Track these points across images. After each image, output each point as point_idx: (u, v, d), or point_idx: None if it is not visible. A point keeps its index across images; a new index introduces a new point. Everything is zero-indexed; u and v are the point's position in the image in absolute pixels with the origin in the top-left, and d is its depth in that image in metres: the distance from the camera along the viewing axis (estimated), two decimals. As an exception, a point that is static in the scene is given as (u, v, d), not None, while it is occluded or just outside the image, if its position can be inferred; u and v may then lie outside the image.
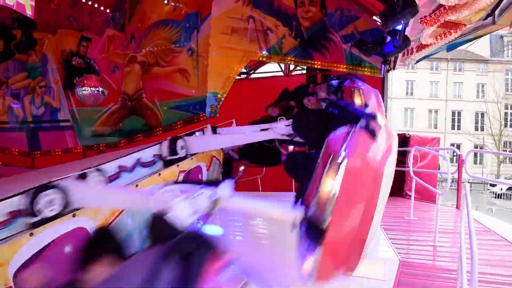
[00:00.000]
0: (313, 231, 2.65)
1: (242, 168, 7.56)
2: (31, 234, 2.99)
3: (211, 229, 2.43)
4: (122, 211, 3.86)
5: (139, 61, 10.13)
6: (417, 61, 10.12)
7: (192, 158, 5.33)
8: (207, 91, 8.99)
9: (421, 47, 8.35)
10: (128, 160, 4.42)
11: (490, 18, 7.61)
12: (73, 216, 3.30)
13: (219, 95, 8.89)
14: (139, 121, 10.19)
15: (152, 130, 9.99)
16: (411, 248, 5.88)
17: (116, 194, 3.30)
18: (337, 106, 3.87)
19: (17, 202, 3.08)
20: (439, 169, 12.50)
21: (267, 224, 2.69)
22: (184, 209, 2.28)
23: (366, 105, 5.44)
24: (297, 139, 5.44)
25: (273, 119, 6.72)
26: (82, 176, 3.58)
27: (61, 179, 3.30)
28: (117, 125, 10.45)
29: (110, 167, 4.10)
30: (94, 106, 9.64)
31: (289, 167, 4.39)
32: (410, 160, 7.90)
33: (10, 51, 8.79)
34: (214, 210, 2.44)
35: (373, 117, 3.25)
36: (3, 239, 2.91)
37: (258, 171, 8.88)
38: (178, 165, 5.03)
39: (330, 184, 2.68)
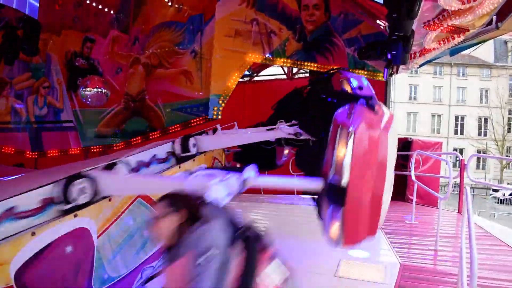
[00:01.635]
0: (334, 194, 2.89)
1: (286, 151, 7.58)
2: (33, 234, 2.99)
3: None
4: (124, 211, 3.88)
5: (143, 62, 10.16)
6: (420, 66, 10.14)
7: (194, 160, 5.35)
8: (210, 93, 9.02)
9: (424, 51, 8.36)
10: (145, 156, 4.64)
11: (493, 23, 7.63)
12: (75, 216, 3.31)
13: (222, 97, 8.91)
14: (142, 122, 10.22)
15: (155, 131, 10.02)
16: (412, 252, 5.87)
17: (147, 180, 3.58)
18: (334, 94, 4.22)
19: (51, 190, 3.27)
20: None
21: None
22: (220, 190, 2.45)
23: (360, 88, 5.49)
24: (303, 137, 5.51)
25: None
26: (109, 167, 3.77)
27: (91, 169, 3.49)
28: (120, 126, 10.48)
29: (132, 161, 4.30)
30: (97, 107, 9.68)
31: (300, 162, 4.56)
32: (412, 164, 7.89)
33: (16, 52, 8.82)
34: (244, 189, 2.63)
35: (369, 97, 3.64)
36: (4, 238, 2.92)
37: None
38: (180, 166, 5.06)
39: (343, 150, 2.93)
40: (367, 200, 2.96)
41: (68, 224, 3.26)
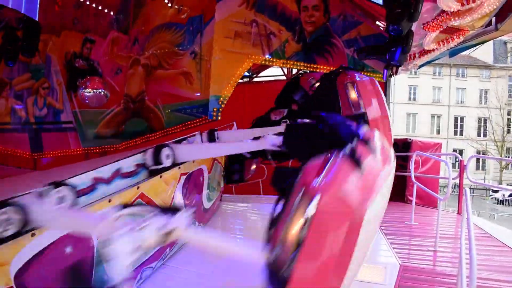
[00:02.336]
0: (274, 278, 2.21)
1: (254, 167, 7.59)
2: (33, 235, 3.00)
3: None
4: (124, 212, 3.87)
5: (142, 63, 10.18)
6: (420, 66, 10.16)
7: (193, 161, 5.35)
8: (209, 94, 9.03)
9: (423, 52, 8.38)
10: (105, 171, 4.09)
11: (493, 24, 7.64)
12: (75, 217, 3.32)
13: (221, 99, 8.93)
14: (142, 123, 10.23)
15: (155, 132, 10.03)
16: (412, 252, 5.87)
17: (70, 217, 3.03)
18: (326, 123, 3.46)
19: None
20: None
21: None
22: (125, 244, 1.98)
23: (363, 117, 5.37)
24: (284, 150, 5.22)
25: (274, 123, 6.74)
26: (42, 194, 3.27)
27: (21, 195, 3.07)
28: (119, 127, 10.49)
29: (84, 179, 3.79)
30: (97, 108, 9.69)
31: (275, 181, 4.15)
32: (412, 165, 7.90)
33: (15, 53, 8.83)
34: (166, 243, 2.15)
35: (365, 141, 2.85)
36: (5, 238, 2.92)
37: (260, 174, 8.88)
38: (179, 168, 5.06)
39: (299, 223, 2.23)
40: None
41: (68, 225, 3.26)
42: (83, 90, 8.91)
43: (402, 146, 10.50)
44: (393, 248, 5.92)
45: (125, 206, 2.26)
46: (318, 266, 2.25)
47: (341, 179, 2.39)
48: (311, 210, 2.19)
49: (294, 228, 2.19)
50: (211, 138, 6.28)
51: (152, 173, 4.64)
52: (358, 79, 5.98)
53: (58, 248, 3.17)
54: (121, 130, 10.48)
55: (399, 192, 10.19)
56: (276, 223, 2.37)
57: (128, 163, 4.43)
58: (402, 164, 9.92)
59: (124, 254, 1.95)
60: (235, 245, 2.41)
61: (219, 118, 8.85)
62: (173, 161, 4.96)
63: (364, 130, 3.12)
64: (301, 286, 2.16)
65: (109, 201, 3.73)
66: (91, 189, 3.83)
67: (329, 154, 2.54)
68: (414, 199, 7.75)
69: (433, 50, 8.11)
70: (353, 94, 4.86)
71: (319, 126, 3.46)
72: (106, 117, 10.53)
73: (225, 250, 2.38)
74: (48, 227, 3.12)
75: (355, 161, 2.51)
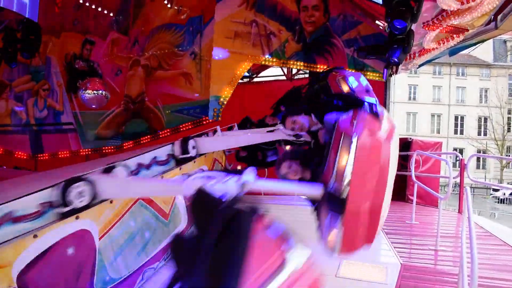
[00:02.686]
0: (334, 202, 2.88)
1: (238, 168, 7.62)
2: (35, 236, 3.01)
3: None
4: (125, 213, 3.89)
5: (142, 64, 10.18)
6: (420, 66, 10.19)
7: (194, 162, 5.37)
8: (209, 94, 9.03)
9: (423, 51, 8.40)
10: (146, 158, 4.68)
11: (493, 23, 7.65)
12: (76, 218, 3.33)
13: (221, 99, 8.93)
14: (142, 124, 10.23)
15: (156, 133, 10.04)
16: (413, 252, 5.89)
17: (145, 183, 3.52)
18: (338, 96, 4.11)
19: (49, 194, 3.28)
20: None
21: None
22: (217, 192, 2.32)
23: (367, 91, 5.48)
24: (303, 138, 5.47)
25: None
26: (108, 170, 3.79)
27: (89, 172, 3.50)
28: (120, 128, 10.50)
29: (131, 163, 4.33)
30: (97, 109, 9.69)
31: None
32: (412, 164, 7.91)
33: (15, 54, 8.86)
34: (242, 193, 2.53)
35: (373, 103, 3.57)
36: (6, 241, 2.93)
37: (261, 173, 8.89)
38: (180, 168, 5.08)
39: (345, 159, 2.89)
40: (366, 209, 2.96)
41: (70, 226, 3.27)
42: (83, 92, 8.91)
43: (403, 146, 10.51)
44: (394, 247, 5.94)
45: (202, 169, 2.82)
46: (365, 189, 2.90)
47: (369, 123, 3.06)
48: (353, 147, 2.88)
49: (343, 163, 2.89)
50: None
51: (180, 162, 5.25)
52: (348, 74, 6.07)
53: (60, 250, 3.18)
54: (121, 131, 10.49)
55: (400, 191, 10.21)
56: (324, 164, 3.12)
57: (161, 153, 5.01)
58: (402, 163, 9.93)
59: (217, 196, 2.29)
60: (296, 187, 3.17)
61: (219, 118, 8.86)
62: (197, 151, 5.53)
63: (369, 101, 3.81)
64: (355, 205, 2.85)
65: (111, 202, 3.80)
66: (136, 172, 4.43)
67: (353, 111, 3.21)
68: (415, 199, 7.77)
69: (433, 49, 8.14)
70: (345, 87, 5.03)
71: (325, 99, 4.13)
72: (106, 118, 10.54)
73: (290, 189, 3.18)
74: (118, 197, 3.76)
75: (374, 114, 3.24)
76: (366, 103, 3.46)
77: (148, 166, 4.67)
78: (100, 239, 3.57)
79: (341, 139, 2.99)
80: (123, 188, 3.48)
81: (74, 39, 10.91)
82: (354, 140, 2.91)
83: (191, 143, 5.39)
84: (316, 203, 3.70)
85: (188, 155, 5.31)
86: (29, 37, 8.54)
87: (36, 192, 3.23)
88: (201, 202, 2.21)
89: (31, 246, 2.99)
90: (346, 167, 2.88)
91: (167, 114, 9.98)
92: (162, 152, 5.03)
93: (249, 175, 2.61)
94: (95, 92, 8.82)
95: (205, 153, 5.66)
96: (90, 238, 3.47)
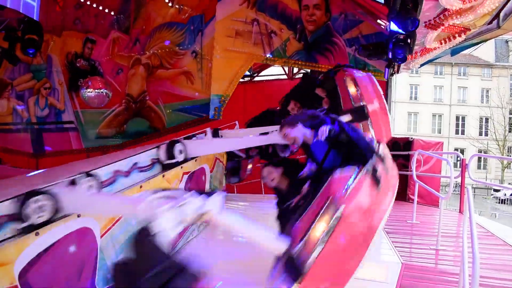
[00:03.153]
0: (293, 269, 2.55)
1: (250, 166, 7.61)
2: (37, 234, 3.01)
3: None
4: (127, 212, 3.88)
5: (144, 63, 10.21)
6: (421, 65, 10.16)
7: (195, 160, 5.35)
8: (211, 93, 9.05)
9: (425, 51, 8.38)
10: (124, 164, 4.30)
11: (494, 23, 7.63)
12: (78, 216, 3.33)
13: (222, 98, 8.95)
14: (143, 123, 10.26)
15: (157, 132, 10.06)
16: (414, 251, 5.88)
17: (105, 201, 3.18)
18: (347, 135, 3.51)
19: (7, 207, 2.99)
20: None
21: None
22: (169, 219, 2.16)
23: (362, 109, 5.39)
24: (295, 146, 5.36)
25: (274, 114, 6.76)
26: (73, 182, 3.47)
27: (52, 185, 3.22)
28: (121, 127, 10.51)
29: (105, 172, 3.98)
30: (98, 108, 9.71)
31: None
32: (413, 164, 7.89)
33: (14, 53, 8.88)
34: (199, 222, 2.37)
35: (381, 158, 3.19)
36: (6, 238, 2.94)
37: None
38: (182, 167, 5.06)
39: (322, 229, 2.59)
40: (328, 285, 2.66)
41: (72, 224, 3.27)
42: (85, 90, 8.93)
43: (404, 146, 10.49)
44: (395, 246, 5.93)
45: (163, 189, 2.47)
46: (333, 267, 2.60)
47: (363, 195, 2.74)
48: (336, 218, 2.56)
49: (319, 231, 2.55)
50: (215, 137, 6.34)
51: (166, 167, 4.84)
52: (356, 74, 6.03)
53: (62, 248, 3.19)
54: (122, 129, 10.50)
55: (401, 191, 10.18)
56: (295, 220, 2.81)
57: (143, 158, 4.61)
58: (403, 163, 9.92)
59: (168, 228, 2.14)
60: (258, 232, 2.65)
61: (220, 117, 8.87)
62: (185, 156, 5.15)
63: (378, 147, 3.42)
64: (317, 278, 2.51)
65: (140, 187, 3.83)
66: (112, 181, 4.06)
67: (353, 169, 2.86)
68: (415, 198, 7.76)
69: (435, 48, 8.12)
70: (352, 88, 4.90)
71: (339, 137, 3.43)
72: (108, 117, 10.56)
73: (249, 235, 2.65)
74: (81, 212, 3.34)
75: (376, 180, 2.87)
76: (370, 163, 3.00)
77: (127, 173, 4.29)
78: (101, 237, 3.57)
79: (326, 203, 2.67)
80: (86, 204, 3.19)
81: (75, 38, 10.93)
82: (340, 211, 2.60)
83: (177, 146, 5.02)
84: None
85: (174, 160, 4.94)
86: (31, 36, 8.53)
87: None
88: (142, 243, 2.08)
89: (33, 244, 2.99)
90: (320, 238, 2.56)
91: (168, 113, 10.01)
92: (144, 157, 4.65)
93: (215, 203, 2.36)
94: (96, 91, 8.83)
95: (194, 157, 5.36)
96: (91, 236, 3.47)
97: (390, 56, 7.80)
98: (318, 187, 2.92)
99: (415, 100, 45.08)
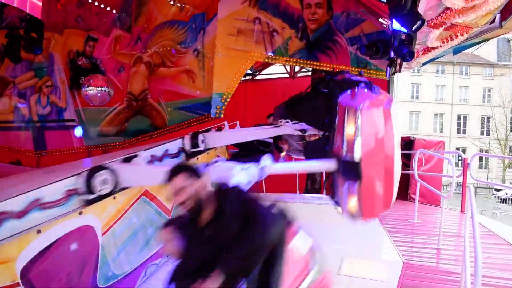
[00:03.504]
0: (349, 169, 3.03)
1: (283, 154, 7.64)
2: (38, 231, 3.02)
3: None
4: (128, 209, 3.90)
5: (145, 61, 10.20)
6: (423, 64, 10.16)
7: (197, 158, 5.39)
8: (212, 92, 9.04)
9: (427, 50, 8.37)
10: (158, 150, 4.89)
11: (497, 22, 7.62)
12: (80, 214, 3.34)
13: (224, 96, 8.94)
14: (145, 121, 10.25)
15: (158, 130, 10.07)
16: (415, 250, 5.87)
17: (164, 170, 3.42)
18: (336, 83, 4.27)
19: (74, 182, 3.41)
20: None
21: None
22: (243, 177, 2.60)
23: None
24: (309, 133, 5.53)
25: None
26: (128, 159, 3.96)
27: (111, 161, 3.69)
28: (122, 125, 10.52)
29: (147, 155, 4.54)
30: (100, 106, 9.71)
31: (309, 154, 4.58)
32: (415, 163, 7.89)
33: (18, 51, 8.88)
34: (264, 177, 2.81)
35: (369, 81, 3.71)
36: (8, 236, 2.94)
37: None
38: (198, 158, 5.40)
39: (353, 129, 3.06)
40: (380, 172, 3.08)
41: (73, 222, 3.28)
42: (86, 88, 8.92)
43: (405, 145, 10.48)
44: (396, 245, 5.93)
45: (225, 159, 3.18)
46: (375, 151, 3.07)
47: (368, 96, 3.31)
48: (358, 116, 3.05)
49: (351, 132, 3.07)
50: None
51: (189, 156, 5.46)
52: (365, 107, 5.83)
53: (63, 245, 3.19)
54: (124, 128, 10.51)
55: (402, 190, 10.19)
56: (333, 139, 3.41)
57: (172, 146, 5.25)
58: (405, 162, 9.91)
59: (244, 183, 2.59)
60: (311, 164, 3.42)
61: (222, 116, 8.86)
62: (206, 146, 5.77)
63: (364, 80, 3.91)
64: (369, 169, 3.01)
65: (114, 198, 3.81)
66: (151, 163, 4.69)
67: (351, 90, 3.41)
68: (417, 197, 7.75)
69: (437, 47, 8.11)
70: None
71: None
72: (109, 115, 10.56)
73: (305, 167, 3.42)
74: (138, 184, 3.97)
75: (372, 89, 3.47)
76: (362, 83, 3.60)
77: (160, 159, 4.87)
78: (103, 234, 3.58)
79: (346, 113, 3.16)
80: (143, 176, 3.71)
81: (77, 36, 10.92)
82: (358, 110, 3.07)
83: (200, 137, 5.61)
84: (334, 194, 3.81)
85: (198, 149, 5.54)
86: (33, 33, 8.54)
87: (62, 179, 3.35)
88: (226, 192, 2.27)
89: (35, 241, 3.00)
90: (355, 136, 3.03)
91: (169, 111, 10.01)
92: (173, 146, 5.25)
93: (267, 160, 2.87)
94: (98, 89, 8.83)
95: (212, 148, 5.89)
96: (93, 233, 3.48)
97: (393, 55, 7.81)
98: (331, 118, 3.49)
99: (417, 99, 45.03)
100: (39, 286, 2.94)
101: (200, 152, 5.61)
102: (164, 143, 5.11)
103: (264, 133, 6.01)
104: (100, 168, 3.52)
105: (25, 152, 11.22)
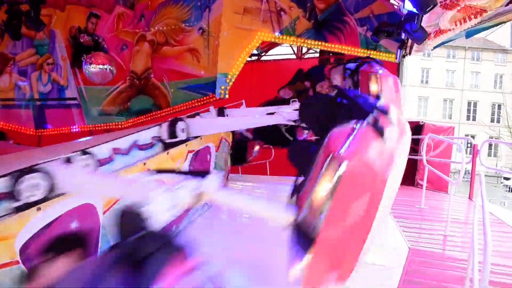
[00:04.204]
0: (302, 237, 2.46)
1: (257, 148, 7.62)
2: (39, 209, 3.01)
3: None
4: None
5: (149, 40, 10.12)
6: (435, 47, 10.03)
7: (201, 138, 5.35)
8: (217, 72, 8.98)
9: (439, 32, 8.26)
10: (123, 143, 4.28)
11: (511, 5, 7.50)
12: (80, 192, 3.32)
13: (229, 76, 8.89)
14: (148, 100, 10.22)
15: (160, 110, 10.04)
16: (421, 236, 5.88)
17: (99, 181, 3.04)
18: (346, 96, 3.52)
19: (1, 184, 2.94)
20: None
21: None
22: (163, 202, 2.07)
23: (378, 97, 5.36)
24: (303, 125, 5.41)
25: (285, 101, 6.73)
26: (69, 160, 3.43)
27: (47, 161, 3.19)
28: (125, 105, 10.49)
29: (102, 150, 3.95)
30: (102, 84, 9.67)
31: (292, 156, 4.33)
32: (424, 148, 7.85)
33: (19, 28, 8.82)
34: (197, 204, 2.30)
35: (384, 112, 3.03)
36: (8, 213, 2.93)
37: (267, 155, 8.89)
38: (186, 145, 5.06)
39: (325, 188, 2.45)
40: (341, 250, 2.57)
41: (74, 200, 3.27)
42: (88, 66, 8.88)
43: (414, 129, 10.44)
44: (403, 231, 5.94)
45: (158, 171, 2.41)
46: (343, 227, 2.46)
47: (366, 146, 2.58)
48: (339, 175, 2.38)
49: (322, 191, 2.40)
50: (221, 116, 6.36)
51: (167, 146, 4.87)
52: (382, 74, 5.97)
53: (63, 223, 3.19)
54: (126, 107, 10.48)
55: (409, 176, 10.18)
56: (301, 189, 2.65)
57: (144, 136, 4.61)
58: (413, 147, 9.87)
59: (162, 211, 2.04)
60: (261, 207, 2.60)
61: (226, 96, 8.82)
62: (188, 134, 5.14)
63: (381, 102, 3.41)
64: (327, 245, 2.40)
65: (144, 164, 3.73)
66: (109, 159, 4.04)
67: (353, 124, 2.70)
68: (425, 183, 7.75)
69: (449, 30, 8.00)
70: (374, 87, 4.72)
71: (337, 99, 3.40)
72: (111, 94, 10.53)
73: (253, 210, 2.60)
74: (75, 192, 3.28)
75: (378, 130, 2.68)
76: (371, 115, 2.87)
77: (126, 152, 4.30)
78: (104, 214, 3.58)
79: (327, 160, 2.54)
80: (81, 183, 3.05)
81: (78, 13, 10.82)
82: (342, 166, 2.45)
83: (180, 125, 5.00)
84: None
85: (177, 139, 4.96)
86: (34, 8, 8.46)
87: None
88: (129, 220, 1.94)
89: (34, 219, 2.99)
90: (324, 198, 2.43)
91: (173, 91, 9.96)
92: (146, 135, 4.66)
93: (212, 183, 2.31)
94: (100, 66, 8.78)
95: (197, 136, 5.37)
96: (94, 213, 3.47)
97: (404, 37, 7.72)
98: (319, 147, 2.76)
99: (426, 84, 44.76)
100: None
101: (181, 142, 5.05)
102: (133, 132, 4.52)
103: (256, 122, 5.88)
104: (31, 170, 3.00)
105: (25, 130, 11.22)
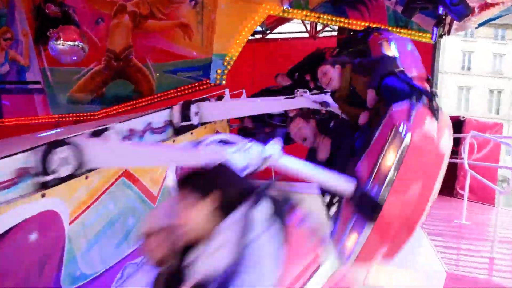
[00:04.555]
0: (366, 206, 2.97)
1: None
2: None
3: None
4: (103, 193, 3.87)
5: (129, 11, 10.08)
6: (479, 26, 9.99)
7: (192, 133, 5.36)
8: (212, 52, 8.96)
9: (485, 6, 8.20)
10: (139, 123, 4.74)
11: None
12: (42, 196, 3.31)
13: (227, 58, 8.87)
14: (127, 86, 10.19)
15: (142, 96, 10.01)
16: (461, 258, 5.87)
17: (145, 149, 3.50)
18: (397, 77, 4.07)
19: (26, 159, 3.24)
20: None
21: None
22: (239, 160, 2.41)
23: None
24: (330, 109, 5.50)
25: (283, 90, 6.84)
26: (97, 133, 3.83)
27: (75, 135, 3.52)
28: (99, 91, 10.47)
29: (123, 128, 4.40)
30: (71, 65, 9.65)
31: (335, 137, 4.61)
32: (465, 149, 7.80)
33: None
34: (263, 168, 2.62)
35: (434, 95, 3.74)
36: None
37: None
38: (192, 133, 5.28)
39: (392, 158, 3.02)
40: (400, 223, 3.04)
41: (34, 205, 3.26)
42: (55, 43, 8.86)
43: (453, 126, 10.39)
44: (439, 251, 5.92)
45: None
46: (405, 200, 3.03)
47: (426, 122, 3.27)
48: (404, 146, 3.03)
49: (388, 163, 3.02)
50: None
51: (178, 131, 5.31)
52: (395, 37, 6.08)
53: (20, 234, 3.17)
54: (100, 93, 10.46)
55: (447, 184, 10.12)
56: (356, 161, 3.34)
57: (157, 118, 5.06)
58: (452, 148, 9.83)
59: (239, 168, 2.34)
60: (326, 175, 3.11)
61: (223, 82, 8.80)
62: (200, 119, 5.58)
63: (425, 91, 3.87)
64: (390, 214, 2.96)
65: (86, 178, 3.75)
66: (128, 139, 4.51)
67: (411, 102, 3.36)
68: (466, 193, 7.70)
69: (498, 3, 7.96)
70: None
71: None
72: (83, 78, 10.50)
73: (319, 178, 3.12)
74: (108, 165, 3.78)
75: (432, 111, 3.41)
76: (424, 96, 3.51)
77: (141, 134, 4.71)
78: (70, 223, 3.56)
79: (391, 133, 3.13)
80: (116, 155, 3.44)
81: (44, -22, 10.82)
82: (407, 138, 3.04)
83: (193, 108, 5.40)
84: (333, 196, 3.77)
85: (189, 123, 5.34)
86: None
87: (10, 155, 3.19)
88: (221, 176, 2.15)
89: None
90: (392, 167, 2.99)
91: (158, 75, 9.94)
92: (158, 118, 5.05)
93: (274, 148, 2.64)
94: (69, 43, 8.76)
95: (207, 122, 5.68)
96: (58, 221, 3.46)
97: (441, 12, 7.67)
98: (378, 122, 3.43)
99: (468, 71, 44.71)
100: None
101: (192, 127, 5.42)
102: (147, 114, 4.96)
103: (276, 105, 6.04)
104: (61, 143, 3.31)
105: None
